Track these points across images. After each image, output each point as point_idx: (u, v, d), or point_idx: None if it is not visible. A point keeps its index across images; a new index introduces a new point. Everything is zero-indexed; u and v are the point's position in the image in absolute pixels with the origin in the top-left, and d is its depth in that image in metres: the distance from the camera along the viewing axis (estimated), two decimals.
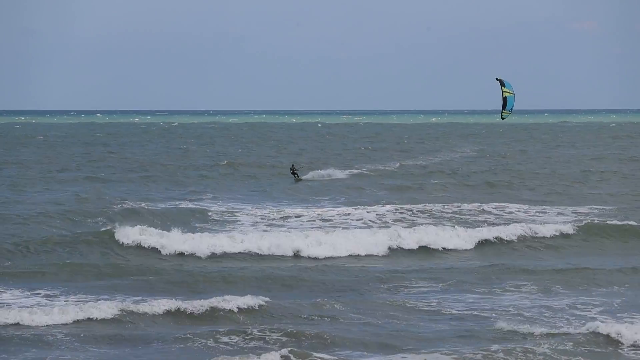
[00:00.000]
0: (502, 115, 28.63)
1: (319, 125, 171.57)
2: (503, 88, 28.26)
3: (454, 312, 21.57)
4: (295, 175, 50.59)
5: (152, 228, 31.09)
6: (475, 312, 21.57)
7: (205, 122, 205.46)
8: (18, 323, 20.10)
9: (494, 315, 21.21)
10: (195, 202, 40.78)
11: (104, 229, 31.51)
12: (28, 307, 21.34)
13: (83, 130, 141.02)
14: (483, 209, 38.00)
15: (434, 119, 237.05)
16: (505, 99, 28.24)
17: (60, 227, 33.34)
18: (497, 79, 28.22)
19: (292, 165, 52.44)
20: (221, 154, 75.22)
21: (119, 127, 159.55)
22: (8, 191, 44.69)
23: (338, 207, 39.18)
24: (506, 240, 31.68)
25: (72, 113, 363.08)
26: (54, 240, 29.98)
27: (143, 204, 39.17)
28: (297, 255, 29.42)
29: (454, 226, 32.77)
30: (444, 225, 33.89)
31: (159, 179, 52.27)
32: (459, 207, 38.39)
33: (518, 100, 29.19)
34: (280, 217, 36.13)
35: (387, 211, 37.02)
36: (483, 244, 31.35)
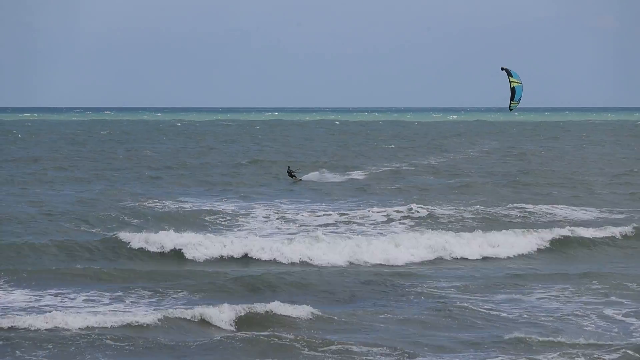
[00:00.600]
0: (510, 106, 27.86)
1: (337, 122, 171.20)
2: (510, 78, 27.55)
3: (490, 318, 21.53)
4: (294, 177, 50.32)
5: (179, 232, 31.07)
6: (510, 317, 21.57)
7: (218, 119, 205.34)
8: (56, 327, 19.99)
9: (537, 321, 21.16)
10: (223, 202, 40.90)
11: (131, 232, 31.44)
12: (59, 310, 21.47)
13: (96, 127, 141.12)
14: (518, 210, 37.85)
15: (453, 117, 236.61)
16: (513, 89, 27.53)
17: (85, 228, 33.44)
18: (503, 69, 27.60)
19: (289, 167, 51.93)
20: (242, 152, 75.38)
21: (132, 125, 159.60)
22: (23, 190, 44.97)
23: (370, 207, 39.14)
24: (546, 243, 31.50)
25: (77, 110, 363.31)
26: (75, 242, 30.06)
27: (170, 204, 39.38)
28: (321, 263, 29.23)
29: (476, 230, 32.58)
30: (477, 228, 33.85)
31: (182, 177, 52.46)
32: (492, 208, 38.36)
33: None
34: (309, 218, 36.25)
35: (419, 212, 36.87)
36: (522, 247, 31.16)
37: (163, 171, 56.52)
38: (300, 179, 50.27)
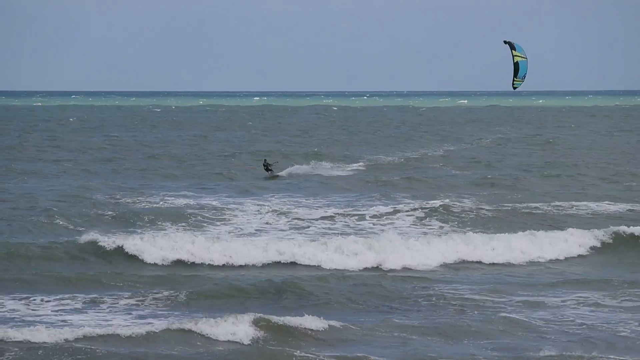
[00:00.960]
0: (513, 84, 27.68)
1: (334, 108, 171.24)
2: (513, 52, 27.38)
3: (523, 327, 21.49)
4: (270, 172, 49.91)
5: (164, 229, 31.43)
6: (539, 326, 21.57)
7: (200, 104, 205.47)
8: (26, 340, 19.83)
9: (569, 331, 21.20)
10: (212, 196, 41.11)
11: (110, 230, 31.72)
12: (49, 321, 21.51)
13: (65, 113, 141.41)
14: (547, 206, 37.70)
15: (463, 101, 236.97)
16: (516, 65, 27.40)
17: (59, 226, 33.38)
18: (505, 42, 27.42)
19: (265, 160, 51.47)
20: (231, 142, 75.66)
21: (104, 110, 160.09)
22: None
23: (376, 202, 39.24)
24: (583, 244, 31.27)
25: (40, 94, 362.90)
26: (48, 242, 29.98)
27: (153, 199, 39.66)
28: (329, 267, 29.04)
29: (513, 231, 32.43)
30: (500, 226, 33.85)
31: (167, 168, 52.89)
32: (517, 203, 38.30)
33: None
34: (309, 214, 36.25)
35: (434, 208, 36.67)
36: (555, 250, 30.86)
37: (146, 162, 56.78)
38: (277, 175, 49.87)
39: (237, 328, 20.61)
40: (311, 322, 21.16)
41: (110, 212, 35.53)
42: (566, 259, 30.35)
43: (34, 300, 23.61)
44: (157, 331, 20.33)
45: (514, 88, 27.85)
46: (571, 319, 22.18)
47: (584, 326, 21.46)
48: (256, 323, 20.79)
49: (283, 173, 50.51)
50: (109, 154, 63.01)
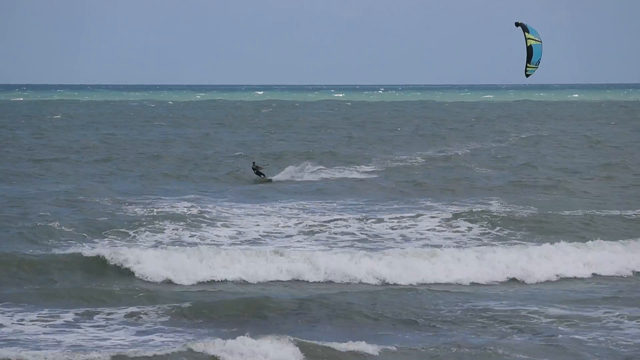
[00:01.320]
0: (526, 70, 27.41)
1: (348, 104, 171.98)
2: (527, 34, 27.16)
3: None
4: (262, 176, 49.37)
5: (163, 235, 31.62)
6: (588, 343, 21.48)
7: (198, 99, 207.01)
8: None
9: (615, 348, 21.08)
10: (216, 200, 41.27)
11: (108, 245, 31.66)
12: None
13: (56, 109, 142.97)
14: (597, 214, 37.37)
15: (489, 96, 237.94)
16: (530, 49, 27.13)
17: (53, 235, 33.13)
18: (517, 24, 27.28)
19: (254, 162, 50.68)
20: (237, 141, 76.14)
21: (93, 106, 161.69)
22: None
23: (402, 208, 39.12)
24: None
25: (17, 89, 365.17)
26: (46, 257, 29.65)
27: (152, 203, 39.77)
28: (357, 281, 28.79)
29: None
30: (547, 236, 33.54)
31: (169, 169, 53.27)
32: (565, 210, 37.93)
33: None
34: (325, 221, 35.96)
35: (472, 215, 36.37)
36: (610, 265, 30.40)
37: (144, 162, 57.22)
38: (270, 179, 49.41)
39: (269, 351, 20.16)
40: (353, 345, 20.79)
41: (105, 218, 35.50)
42: (619, 273, 30.03)
43: (19, 315, 23.49)
44: (168, 352, 19.92)
45: (527, 75, 27.61)
46: (620, 337, 22.07)
47: (632, 344, 21.35)
48: (298, 347, 20.33)
49: (279, 176, 50.21)
50: (102, 153, 63.28)
